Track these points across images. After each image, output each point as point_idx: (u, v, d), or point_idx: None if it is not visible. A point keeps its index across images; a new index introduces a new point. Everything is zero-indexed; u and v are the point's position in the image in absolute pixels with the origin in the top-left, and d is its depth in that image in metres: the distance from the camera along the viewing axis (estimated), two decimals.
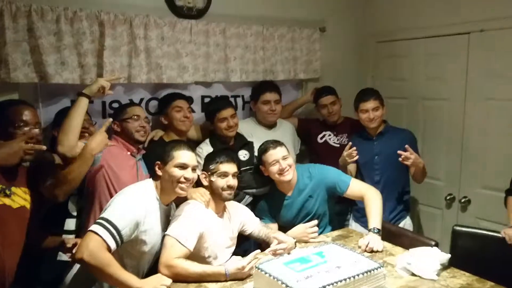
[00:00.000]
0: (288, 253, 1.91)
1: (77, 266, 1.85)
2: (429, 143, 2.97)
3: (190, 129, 2.55)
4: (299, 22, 3.06)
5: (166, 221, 1.93)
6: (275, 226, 2.38)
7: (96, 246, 1.61)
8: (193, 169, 1.89)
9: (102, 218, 1.68)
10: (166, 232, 1.86)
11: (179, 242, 1.81)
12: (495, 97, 2.61)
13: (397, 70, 3.20)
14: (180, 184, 1.84)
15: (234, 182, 2.04)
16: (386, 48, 3.26)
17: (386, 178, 2.60)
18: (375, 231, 2.09)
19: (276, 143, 2.33)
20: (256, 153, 2.54)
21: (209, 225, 1.96)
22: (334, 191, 2.36)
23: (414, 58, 3.07)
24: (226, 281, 1.77)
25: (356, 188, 2.31)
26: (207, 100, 2.81)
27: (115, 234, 1.65)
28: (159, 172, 1.88)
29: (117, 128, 2.23)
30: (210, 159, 2.11)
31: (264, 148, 2.34)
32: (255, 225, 2.20)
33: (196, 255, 1.88)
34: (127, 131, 2.21)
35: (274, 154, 2.28)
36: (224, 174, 2.03)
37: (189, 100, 2.56)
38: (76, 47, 2.22)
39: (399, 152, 2.42)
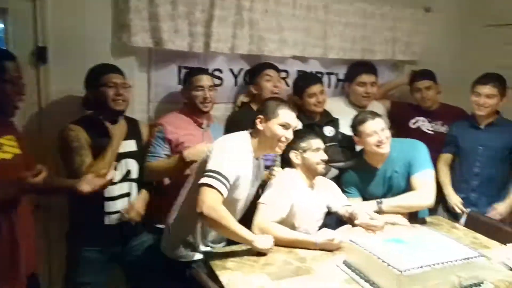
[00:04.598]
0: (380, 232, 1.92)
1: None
2: None
3: None
4: (403, 0, 2.95)
5: (256, 173, 1.94)
6: (359, 200, 2.32)
7: (213, 198, 1.65)
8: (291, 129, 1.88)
9: (211, 171, 1.70)
10: (259, 200, 1.93)
11: (272, 209, 1.89)
12: None
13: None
14: (279, 143, 1.86)
15: (325, 156, 2.09)
16: (499, 33, 2.97)
17: (487, 173, 2.46)
18: (379, 202, 2.19)
19: (375, 115, 2.27)
20: (341, 130, 2.55)
21: (301, 196, 2.02)
22: (408, 171, 2.24)
23: None
24: (315, 249, 1.82)
25: (419, 181, 2.17)
26: None
27: (225, 182, 1.69)
28: (260, 126, 1.85)
29: (184, 99, 2.27)
30: (300, 137, 2.09)
31: (361, 119, 2.26)
32: (340, 204, 2.18)
33: (286, 224, 1.93)
34: (191, 101, 2.23)
35: (373, 125, 2.21)
36: (317, 149, 2.08)
37: (279, 70, 2.54)
38: (188, 16, 2.34)
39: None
